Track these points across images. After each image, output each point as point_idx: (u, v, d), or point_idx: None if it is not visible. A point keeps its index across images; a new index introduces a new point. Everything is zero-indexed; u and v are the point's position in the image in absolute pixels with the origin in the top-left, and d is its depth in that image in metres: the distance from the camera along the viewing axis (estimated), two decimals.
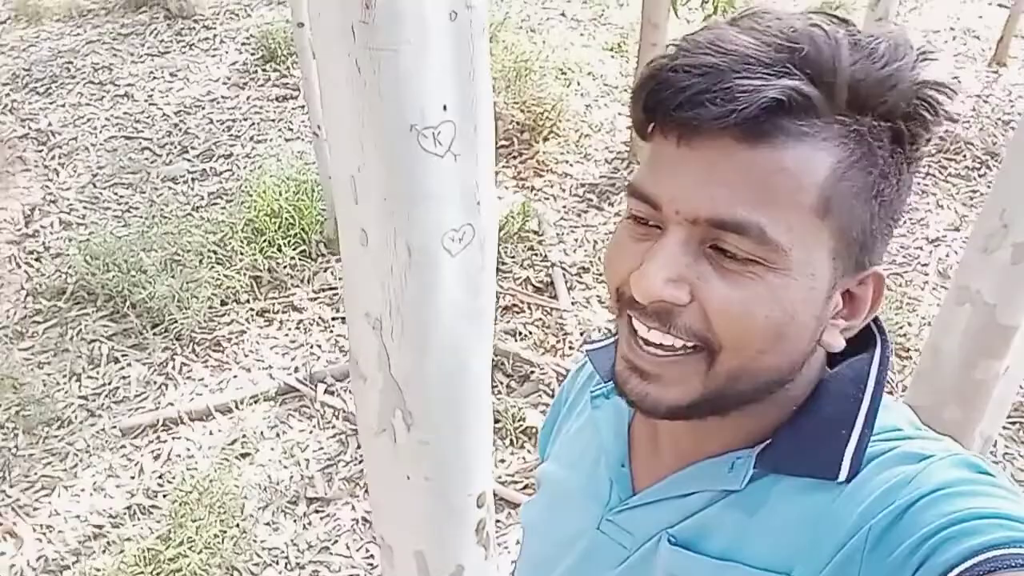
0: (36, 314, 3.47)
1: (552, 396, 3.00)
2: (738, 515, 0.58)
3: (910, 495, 0.51)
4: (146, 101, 4.86)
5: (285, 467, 2.85)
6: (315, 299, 3.55)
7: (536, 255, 3.78)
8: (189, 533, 2.52)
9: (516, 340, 3.31)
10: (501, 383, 3.12)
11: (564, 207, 4.13)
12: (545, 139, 4.47)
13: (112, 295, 3.44)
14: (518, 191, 4.17)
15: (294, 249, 3.65)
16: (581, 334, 3.34)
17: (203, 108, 4.79)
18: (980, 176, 4.33)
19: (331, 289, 3.59)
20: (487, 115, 1.06)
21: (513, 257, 3.73)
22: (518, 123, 4.45)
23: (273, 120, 4.69)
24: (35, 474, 2.84)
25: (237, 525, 2.61)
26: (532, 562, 0.77)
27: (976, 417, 1.87)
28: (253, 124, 4.66)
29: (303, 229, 3.70)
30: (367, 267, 1.13)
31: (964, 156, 4.43)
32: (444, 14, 0.95)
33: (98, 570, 2.50)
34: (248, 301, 3.51)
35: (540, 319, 3.43)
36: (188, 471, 2.80)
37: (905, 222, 3.95)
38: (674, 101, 0.50)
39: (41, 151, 4.48)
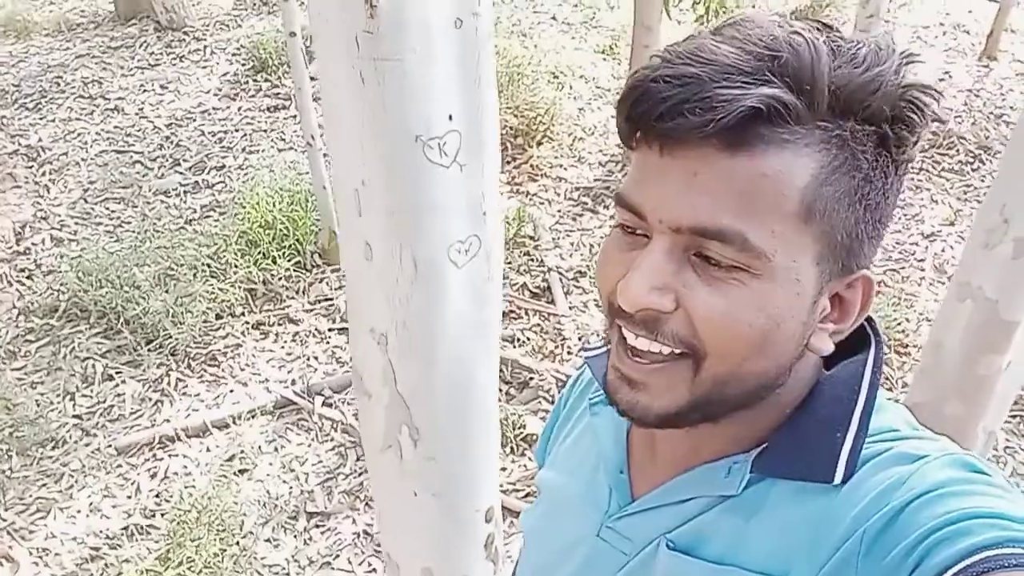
0: (28, 333, 3.42)
1: (552, 402, 2.98)
2: (735, 519, 0.59)
3: (904, 497, 0.51)
4: (137, 114, 4.83)
5: (284, 482, 2.82)
6: (311, 310, 3.52)
7: (532, 260, 3.77)
8: (188, 553, 2.48)
9: (514, 346, 3.29)
10: (500, 390, 3.08)
11: (559, 211, 4.12)
12: (539, 143, 4.46)
13: (105, 311, 3.40)
14: (513, 196, 4.16)
15: (289, 260, 3.63)
16: (579, 339, 3.32)
17: (194, 120, 4.76)
18: (973, 170, 4.35)
19: (327, 300, 3.56)
20: (493, 123, 1.04)
21: (510, 262, 3.71)
22: (511, 128, 4.44)
23: (265, 130, 4.66)
24: (30, 496, 2.79)
25: (237, 543, 2.57)
26: (532, 569, 0.77)
27: (979, 413, 1.87)
28: (245, 135, 4.63)
29: (297, 240, 3.67)
30: (372, 281, 1.11)
31: (957, 151, 4.45)
32: (449, 21, 0.93)
33: None
34: (243, 314, 3.47)
35: (538, 324, 3.41)
36: (186, 489, 2.76)
37: (900, 218, 3.95)
38: (656, 111, 0.51)
39: (31, 167, 4.43)
